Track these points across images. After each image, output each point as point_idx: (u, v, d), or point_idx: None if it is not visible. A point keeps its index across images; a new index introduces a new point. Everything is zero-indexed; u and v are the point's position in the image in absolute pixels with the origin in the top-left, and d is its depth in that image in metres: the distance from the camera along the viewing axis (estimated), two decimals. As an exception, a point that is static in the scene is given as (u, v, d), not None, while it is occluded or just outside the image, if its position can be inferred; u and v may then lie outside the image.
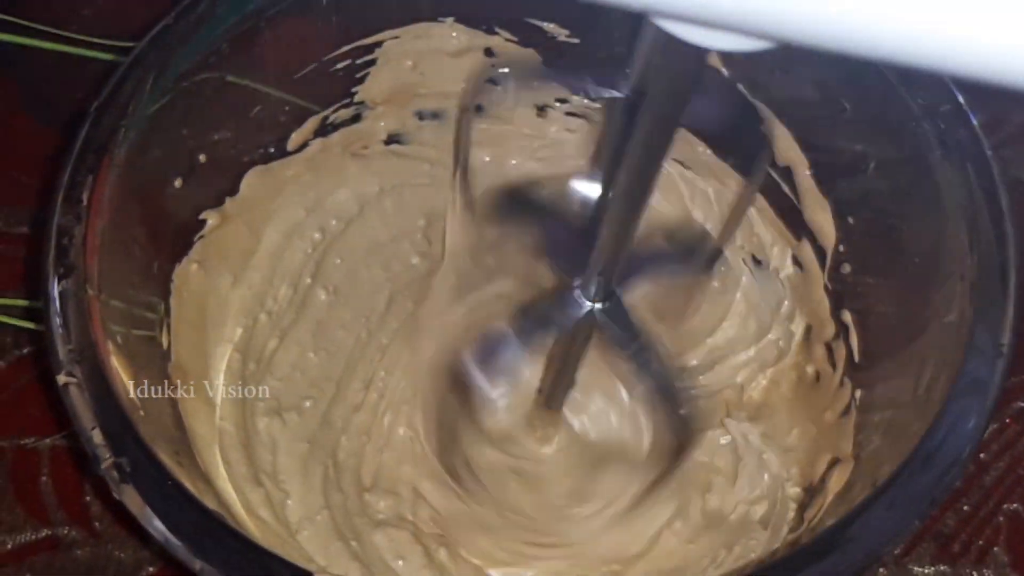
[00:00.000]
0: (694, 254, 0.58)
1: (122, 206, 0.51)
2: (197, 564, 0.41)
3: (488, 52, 0.64)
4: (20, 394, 0.65)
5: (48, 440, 0.63)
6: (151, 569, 0.60)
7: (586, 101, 0.66)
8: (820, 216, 0.59)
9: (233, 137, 0.59)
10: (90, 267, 0.48)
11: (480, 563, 0.58)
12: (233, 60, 0.56)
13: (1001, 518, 0.61)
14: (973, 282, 0.48)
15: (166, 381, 0.54)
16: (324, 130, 0.63)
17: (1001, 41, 0.23)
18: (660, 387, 0.54)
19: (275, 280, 0.64)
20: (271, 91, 0.60)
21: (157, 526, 0.42)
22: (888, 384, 0.54)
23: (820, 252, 0.60)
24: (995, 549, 0.60)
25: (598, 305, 0.49)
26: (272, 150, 0.62)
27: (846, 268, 0.59)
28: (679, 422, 0.55)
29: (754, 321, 0.64)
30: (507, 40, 0.63)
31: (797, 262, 0.62)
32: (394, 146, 0.67)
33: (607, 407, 0.62)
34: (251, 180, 0.61)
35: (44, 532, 0.61)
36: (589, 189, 0.56)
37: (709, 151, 0.63)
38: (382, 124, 0.65)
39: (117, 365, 0.47)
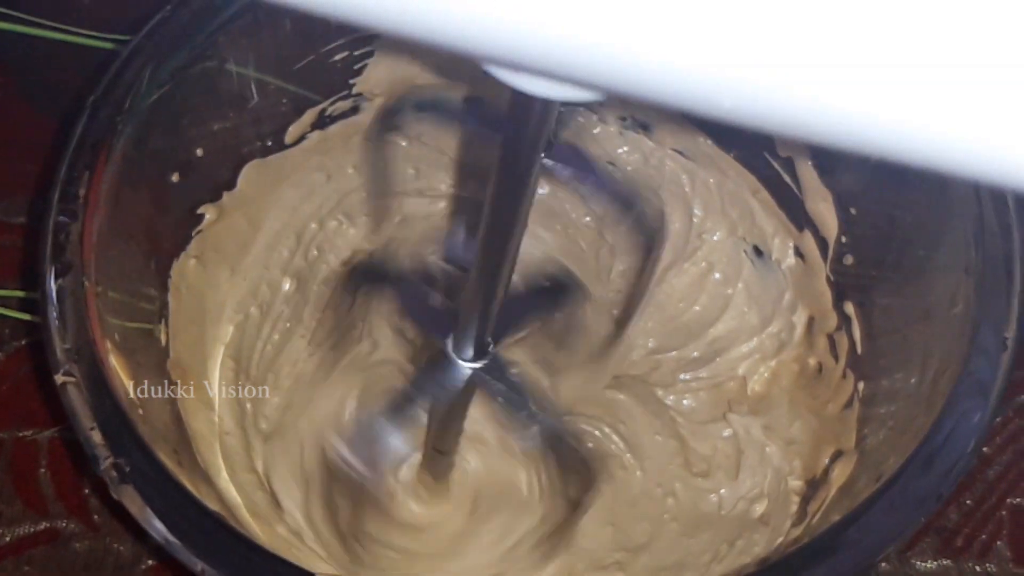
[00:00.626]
0: (560, 295, 0.57)
1: (119, 201, 0.50)
2: (199, 565, 0.41)
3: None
4: (19, 386, 0.64)
5: (47, 432, 0.63)
6: (150, 562, 0.59)
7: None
8: (822, 207, 0.59)
9: (231, 130, 0.59)
10: (87, 264, 0.47)
11: None
12: (231, 52, 0.55)
13: (1004, 512, 0.61)
14: (977, 275, 0.48)
15: (165, 379, 0.53)
16: (322, 122, 0.63)
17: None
18: (550, 435, 0.53)
19: (269, 272, 0.63)
20: (269, 82, 0.59)
21: (157, 527, 0.42)
22: (891, 376, 0.54)
23: (822, 243, 0.60)
24: (998, 544, 0.60)
25: (476, 365, 0.47)
26: (270, 143, 0.61)
27: (848, 259, 0.58)
28: (575, 465, 0.54)
29: (756, 312, 0.64)
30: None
31: (799, 253, 0.62)
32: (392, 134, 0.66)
33: (496, 461, 0.60)
34: (249, 173, 0.60)
35: (43, 524, 0.60)
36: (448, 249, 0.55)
37: (710, 141, 0.63)
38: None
39: (115, 363, 0.46)
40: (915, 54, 0.21)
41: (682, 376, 0.64)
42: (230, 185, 0.60)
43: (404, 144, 0.66)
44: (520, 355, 0.57)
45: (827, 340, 0.60)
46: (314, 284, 0.64)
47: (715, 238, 0.65)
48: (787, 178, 0.60)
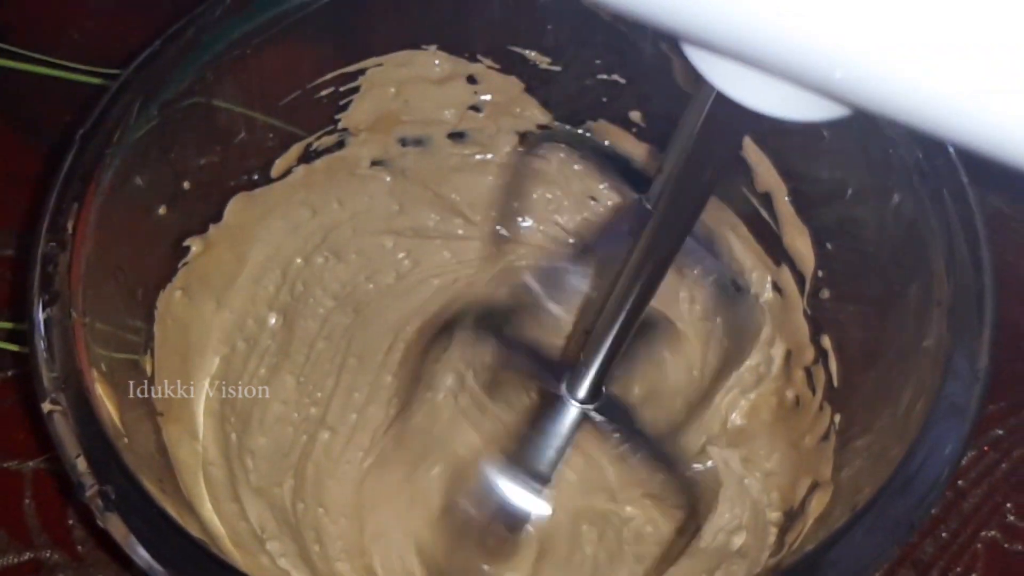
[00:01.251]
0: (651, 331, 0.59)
1: (107, 233, 0.51)
2: (182, 592, 0.42)
3: (471, 79, 0.64)
4: (4, 417, 0.65)
5: (31, 464, 0.63)
6: (134, 592, 0.60)
7: (567, 128, 0.67)
8: (799, 242, 0.60)
9: (218, 163, 0.60)
10: (75, 294, 0.48)
11: None
12: (218, 87, 0.56)
13: (979, 545, 0.62)
14: (950, 308, 0.49)
15: (150, 409, 0.54)
16: (308, 156, 0.64)
17: None
18: (657, 460, 0.54)
19: (255, 307, 0.64)
20: (256, 117, 0.60)
21: (141, 554, 0.42)
22: (867, 408, 0.55)
23: (799, 277, 0.60)
24: None
25: (590, 406, 0.49)
26: (256, 176, 0.62)
27: (825, 293, 0.59)
28: (683, 489, 0.55)
29: (735, 346, 0.65)
30: (489, 67, 0.64)
31: (777, 287, 0.63)
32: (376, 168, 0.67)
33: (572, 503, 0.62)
34: (235, 206, 0.61)
35: (27, 555, 0.61)
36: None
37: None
38: (365, 150, 0.66)
39: (102, 392, 0.47)
40: None
41: None
42: (216, 218, 0.60)
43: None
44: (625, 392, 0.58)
45: (804, 373, 0.60)
46: (300, 320, 0.65)
47: (695, 272, 0.66)
48: (765, 213, 0.61)
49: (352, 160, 0.66)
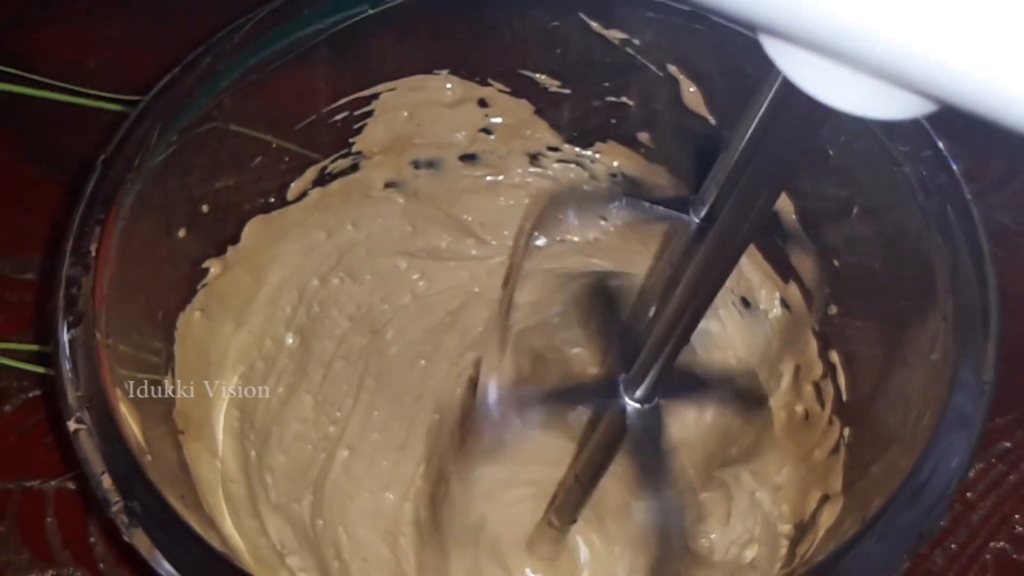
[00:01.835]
0: (743, 400, 0.60)
1: (128, 255, 0.52)
2: (207, 605, 0.42)
3: (482, 103, 0.66)
4: (26, 437, 0.66)
5: (54, 482, 0.64)
6: (154, 610, 0.61)
7: (577, 149, 0.68)
8: (806, 259, 0.61)
9: (235, 187, 0.61)
10: (98, 315, 0.49)
11: None
12: (235, 112, 0.57)
13: (988, 556, 0.63)
14: (955, 322, 0.49)
15: (172, 427, 0.55)
16: (323, 179, 0.65)
17: None
18: (666, 515, 0.54)
19: (273, 327, 0.65)
20: (272, 141, 0.61)
21: (167, 568, 0.43)
22: (875, 422, 0.56)
23: (807, 294, 0.61)
24: (983, 586, 0.62)
25: (635, 404, 0.49)
26: (272, 199, 0.63)
27: (833, 309, 0.60)
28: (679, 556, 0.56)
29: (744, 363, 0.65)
30: (500, 91, 0.65)
31: (785, 304, 0.64)
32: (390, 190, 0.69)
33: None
34: (252, 229, 0.62)
35: (50, 573, 0.62)
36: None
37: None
38: (379, 173, 0.67)
39: (125, 411, 0.48)
40: None
41: None
42: (234, 240, 0.62)
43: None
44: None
45: (813, 388, 0.61)
46: (316, 340, 0.66)
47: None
48: (773, 232, 0.62)
49: (366, 183, 0.67)
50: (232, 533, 0.56)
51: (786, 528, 0.59)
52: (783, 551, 0.58)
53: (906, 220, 0.53)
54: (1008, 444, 0.66)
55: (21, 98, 0.76)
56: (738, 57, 0.57)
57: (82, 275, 0.50)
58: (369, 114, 0.64)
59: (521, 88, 0.65)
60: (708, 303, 0.42)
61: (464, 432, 0.61)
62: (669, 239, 0.56)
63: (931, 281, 0.51)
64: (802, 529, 0.57)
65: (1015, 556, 0.62)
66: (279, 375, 0.64)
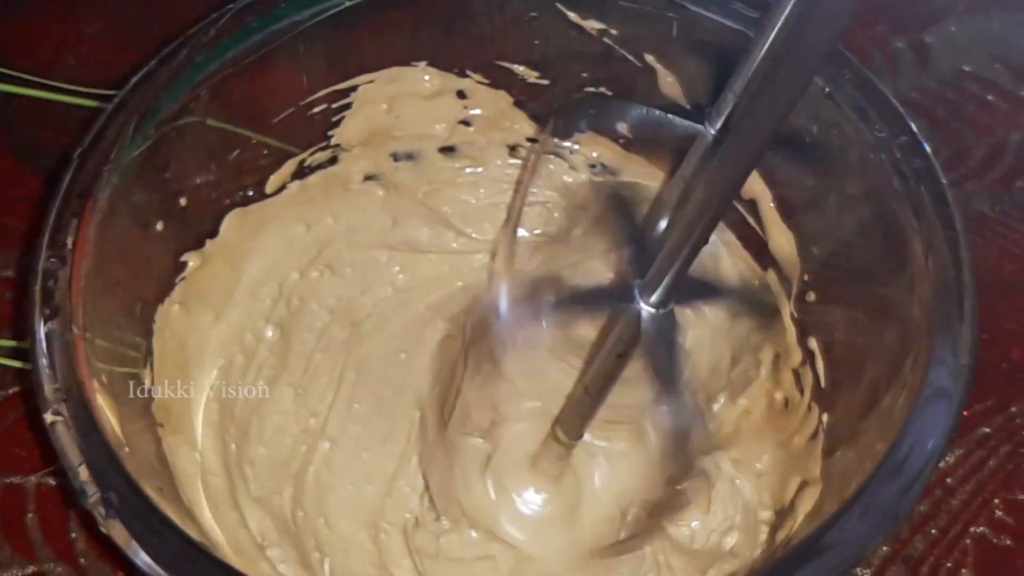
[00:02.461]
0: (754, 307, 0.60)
1: (106, 249, 0.52)
2: (185, 595, 0.42)
3: (460, 94, 0.66)
4: (6, 432, 0.66)
5: (34, 478, 0.64)
6: (136, 606, 0.61)
7: (555, 140, 0.68)
8: (785, 247, 0.61)
9: (213, 180, 0.61)
10: (75, 308, 0.49)
11: None
12: (212, 105, 0.57)
13: (968, 541, 0.63)
14: (931, 306, 0.50)
15: (150, 420, 0.55)
16: (302, 172, 0.65)
17: None
18: (679, 425, 0.54)
19: (252, 320, 0.65)
20: (250, 135, 0.61)
21: (143, 558, 0.43)
22: (853, 407, 0.56)
23: (786, 282, 0.62)
24: (963, 571, 0.62)
25: (650, 308, 0.48)
26: (251, 192, 0.63)
27: (811, 296, 0.60)
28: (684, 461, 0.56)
29: (724, 350, 0.66)
30: (479, 82, 0.65)
31: (764, 292, 0.64)
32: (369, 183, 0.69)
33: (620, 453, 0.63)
34: (231, 222, 0.62)
35: (30, 568, 0.61)
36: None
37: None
38: (358, 166, 0.67)
39: (102, 403, 0.48)
40: None
41: None
42: (213, 233, 0.62)
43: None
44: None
45: (793, 375, 0.61)
46: (297, 333, 0.66)
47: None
48: (751, 219, 0.62)
49: (345, 175, 0.67)
50: (212, 526, 0.56)
51: (766, 515, 0.60)
52: (763, 537, 0.58)
53: (882, 205, 0.53)
54: (987, 429, 0.66)
55: (4, 94, 0.75)
56: (714, 46, 0.57)
57: (58, 268, 0.50)
58: (347, 107, 0.64)
59: (500, 79, 0.65)
60: (723, 210, 0.41)
61: (473, 344, 0.61)
62: (679, 156, 0.55)
63: (907, 266, 0.52)
64: (782, 515, 0.58)
65: (995, 540, 0.63)
66: (259, 368, 0.64)
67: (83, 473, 0.45)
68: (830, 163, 0.57)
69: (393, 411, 0.66)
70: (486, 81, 0.65)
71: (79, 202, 0.51)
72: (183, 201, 0.59)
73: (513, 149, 0.69)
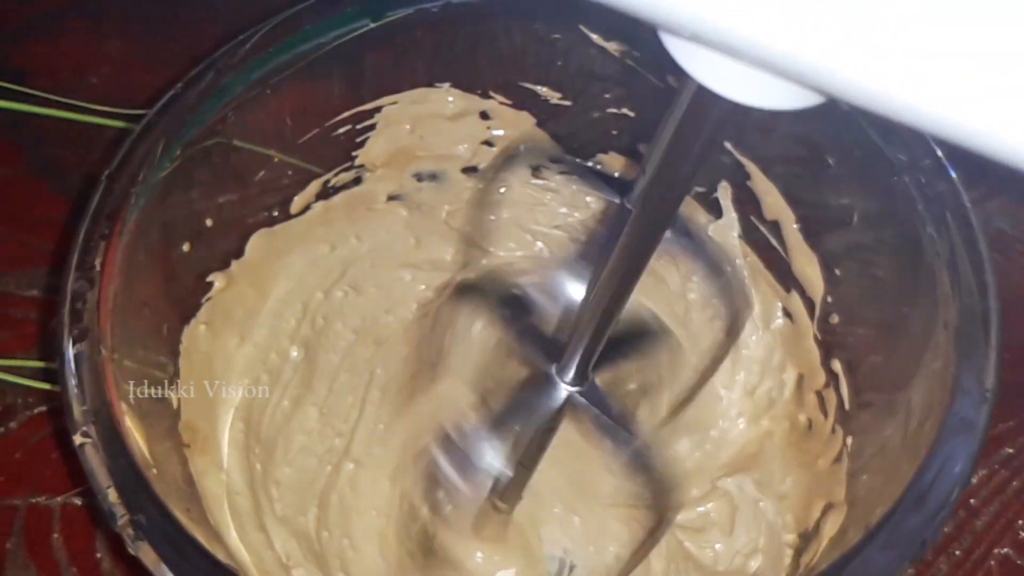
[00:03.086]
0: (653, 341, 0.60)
1: (133, 270, 0.52)
2: (213, 617, 0.43)
3: (483, 115, 0.66)
4: (32, 454, 0.66)
5: (60, 498, 0.64)
6: (160, 625, 0.61)
7: (578, 160, 0.68)
8: (808, 268, 0.61)
9: (239, 201, 0.61)
10: (103, 330, 0.49)
11: None
12: (238, 127, 0.58)
13: (992, 562, 0.63)
14: (957, 330, 0.50)
15: (177, 440, 0.55)
16: (326, 193, 0.65)
17: None
18: (638, 458, 0.55)
19: (277, 341, 0.65)
20: (275, 156, 0.62)
21: (172, 581, 0.43)
22: (878, 430, 0.56)
23: (809, 303, 0.62)
24: (987, 592, 0.62)
25: (575, 389, 0.50)
26: (276, 213, 0.64)
27: (835, 318, 0.60)
28: (657, 492, 0.56)
29: (746, 372, 0.66)
30: (501, 103, 0.65)
31: (787, 313, 0.64)
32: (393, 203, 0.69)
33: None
34: (256, 242, 0.63)
35: (56, 589, 0.62)
36: (568, 277, 0.57)
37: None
38: (382, 186, 0.67)
39: (131, 424, 0.48)
40: None
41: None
42: (238, 254, 0.62)
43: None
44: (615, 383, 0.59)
45: (816, 397, 0.61)
46: (322, 353, 0.66)
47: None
48: (774, 241, 0.62)
49: (369, 196, 0.67)
50: (238, 546, 0.56)
51: (790, 538, 0.59)
52: (787, 561, 0.58)
53: (906, 228, 0.53)
54: (1011, 450, 0.66)
55: (24, 114, 0.76)
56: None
57: (87, 290, 0.50)
58: (372, 127, 0.64)
59: (522, 100, 0.66)
60: (626, 288, 0.42)
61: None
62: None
63: (932, 289, 0.52)
64: (806, 538, 0.58)
65: (1019, 561, 0.63)
66: (284, 388, 0.64)
67: (112, 495, 0.45)
68: (854, 185, 0.57)
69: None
70: (509, 102, 0.66)
71: (108, 224, 0.52)
72: (209, 222, 0.59)
73: (536, 169, 0.69)
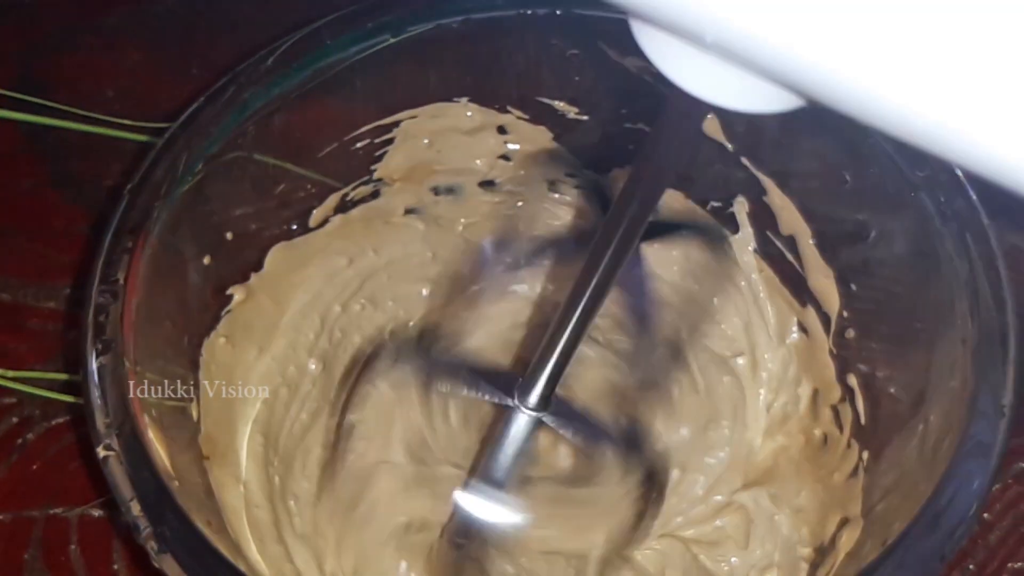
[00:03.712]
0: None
1: (155, 283, 0.52)
2: (237, 630, 0.43)
3: (501, 130, 0.66)
4: (49, 465, 0.66)
5: (78, 509, 0.65)
6: (178, 637, 0.61)
7: (595, 174, 0.69)
8: (824, 283, 0.61)
9: (258, 214, 0.62)
10: (127, 343, 0.49)
11: None
12: (259, 141, 0.58)
13: (1006, 576, 0.63)
14: (974, 346, 0.50)
15: (197, 453, 0.55)
16: (344, 206, 0.66)
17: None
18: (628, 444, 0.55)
19: (296, 353, 0.65)
20: (294, 169, 0.62)
21: (197, 594, 0.44)
22: (894, 446, 0.56)
23: (825, 318, 0.62)
24: (1002, 606, 0.62)
25: (543, 414, 0.51)
26: (295, 226, 0.64)
27: (850, 333, 0.60)
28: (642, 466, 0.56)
29: (762, 388, 0.66)
30: (519, 118, 0.66)
31: (803, 328, 0.64)
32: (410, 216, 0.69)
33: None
34: (275, 255, 0.63)
35: (74, 601, 0.62)
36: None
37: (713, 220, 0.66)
38: (399, 199, 0.68)
39: (153, 437, 0.48)
40: None
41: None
42: (257, 267, 0.62)
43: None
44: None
45: (832, 411, 0.62)
46: (340, 366, 0.66)
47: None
48: (790, 256, 0.63)
49: (387, 209, 0.68)
50: (257, 559, 0.56)
51: (806, 552, 0.60)
52: (803, 575, 0.58)
53: (923, 244, 0.54)
54: (1025, 465, 0.67)
55: (45, 127, 0.76)
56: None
57: (110, 303, 0.50)
58: (390, 141, 0.65)
59: (540, 115, 0.66)
60: (587, 318, 0.42)
61: None
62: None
63: (949, 305, 0.52)
64: (822, 553, 0.58)
65: (1034, 577, 0.63)
66: (302, 401, 0.64)
67: (135, 508, 0.46)
68: (871, 201, 0.57)
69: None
70: (526, 117, 0.66)
71: (131, 237, 0.52)
72: (229, 235, 0.60)
73: (552, 184, 0.69)
